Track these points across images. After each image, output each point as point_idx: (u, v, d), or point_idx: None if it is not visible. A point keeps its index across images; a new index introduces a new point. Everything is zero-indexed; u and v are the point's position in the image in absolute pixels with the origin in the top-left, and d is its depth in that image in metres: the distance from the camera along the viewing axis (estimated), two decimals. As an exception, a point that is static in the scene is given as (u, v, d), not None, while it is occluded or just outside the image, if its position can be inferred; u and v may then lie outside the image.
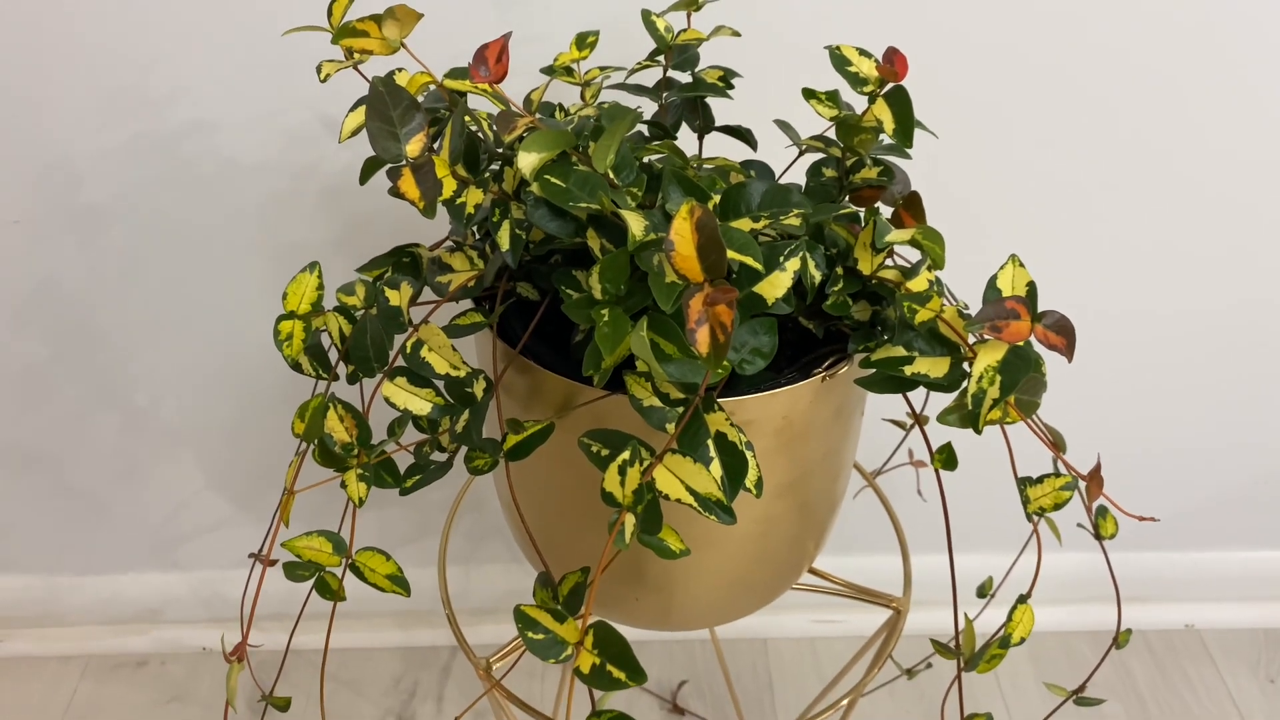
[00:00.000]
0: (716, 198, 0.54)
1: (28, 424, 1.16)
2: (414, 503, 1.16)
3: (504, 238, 0.57)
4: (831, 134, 0.67)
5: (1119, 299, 1.11)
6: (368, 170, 0.62)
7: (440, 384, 0.60)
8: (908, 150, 0.62)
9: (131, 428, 1.17)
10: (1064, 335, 0.56)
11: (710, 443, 0.52)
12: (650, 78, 0.74)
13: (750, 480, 0.53)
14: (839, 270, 0.61)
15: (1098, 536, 0.71)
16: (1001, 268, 0.58)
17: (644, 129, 0.73)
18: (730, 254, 0.49)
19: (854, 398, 0.67)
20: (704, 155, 0.74)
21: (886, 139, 0.63)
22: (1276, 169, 1.03)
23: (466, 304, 0.65)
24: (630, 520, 0.50)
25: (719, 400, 0.56)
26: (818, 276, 0.59)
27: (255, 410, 1.16)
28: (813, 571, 0.83)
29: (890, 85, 0.61)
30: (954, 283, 0.72)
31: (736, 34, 0.73)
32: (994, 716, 0.73)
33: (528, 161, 0.54)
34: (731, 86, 0.71)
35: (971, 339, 0.58)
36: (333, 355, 0.64)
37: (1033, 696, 1.29)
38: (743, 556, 0.68)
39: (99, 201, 1.02)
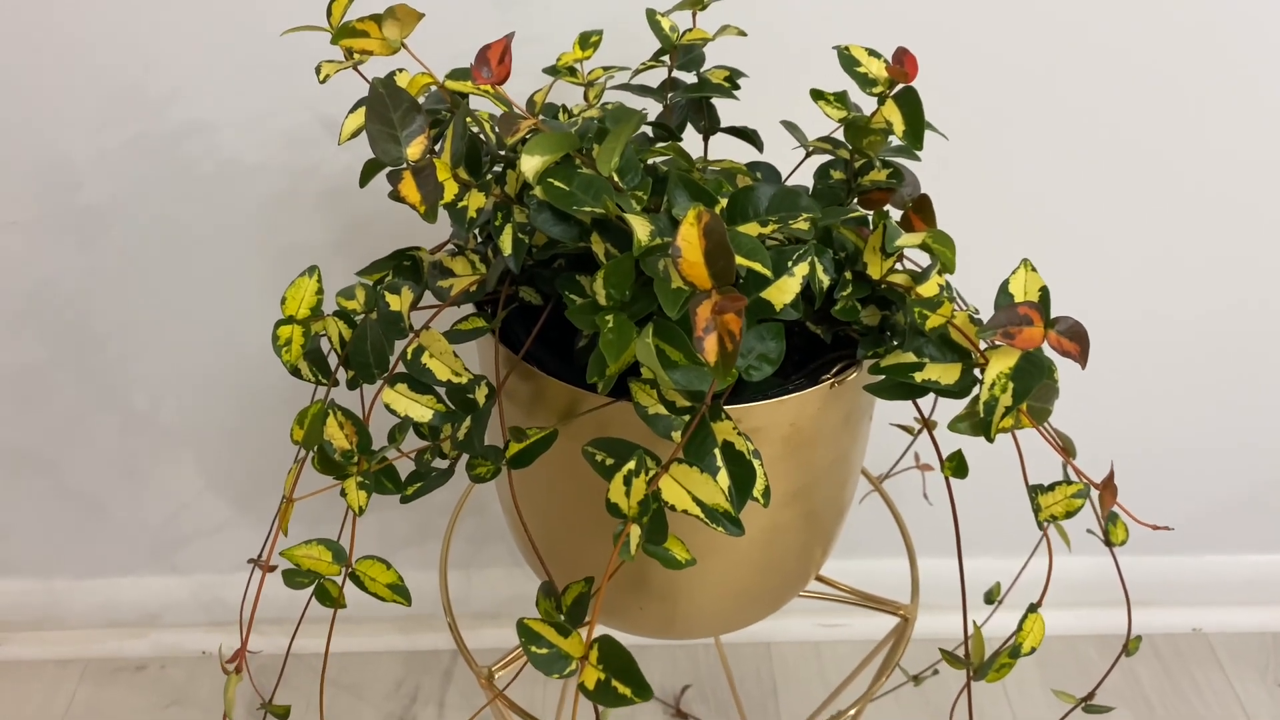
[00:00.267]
0: (723, 201, 0.53)
1: (26, 426, 1.15)
2: (415, 505, 1.14)
3: (506, 242, 0.56)
4: (839, 135, 0.66)
5: (1125, 301, 1.10)
6: (368, 173, 0.61)
7: (441, 390, 0.59)
8: (917, 152, 0.61)
9: (131, 430, 1.16)
10: (1078, 341, 0.55)
11: (717, 452, 0.51)
12: (655, 78, 0.73)
13: (758, 490, 0.52)
14: (847, 275, 0.60)
15: (1108, 543, 0.70)
16: (1013, 272, 0.57)
17: (648, 130, 0.72)
18: (738, 260, 0.48)
19: (862, 404, 0.66)
20: (709, 157, 0.73)
21: (896, 141, 0.62)
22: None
23: (468, 309, 0.64)
24: (635, 531, 0.49)
25: (725, 408, 0.55)
26: (826, 281, 0.58)
27: (255, 412, 1.15)
28: (819, 578, 0.81)
29: (900, 86, 0.60)
30: (960, 284, 0.71)
31: (742, 33, 0.72)
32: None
33: (531, 165, 0.53)
34: (738, 87, 0.70)
35: (983, 345, 0.56)
36: (332, 360, 0.63)
37: (1039, 702, 1.28)
38: (749, 565, 0.67)
39: (98, 202, 1.01)
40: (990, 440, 0.55)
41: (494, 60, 0.54)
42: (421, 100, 0.64)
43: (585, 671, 0.47)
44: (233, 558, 1.25)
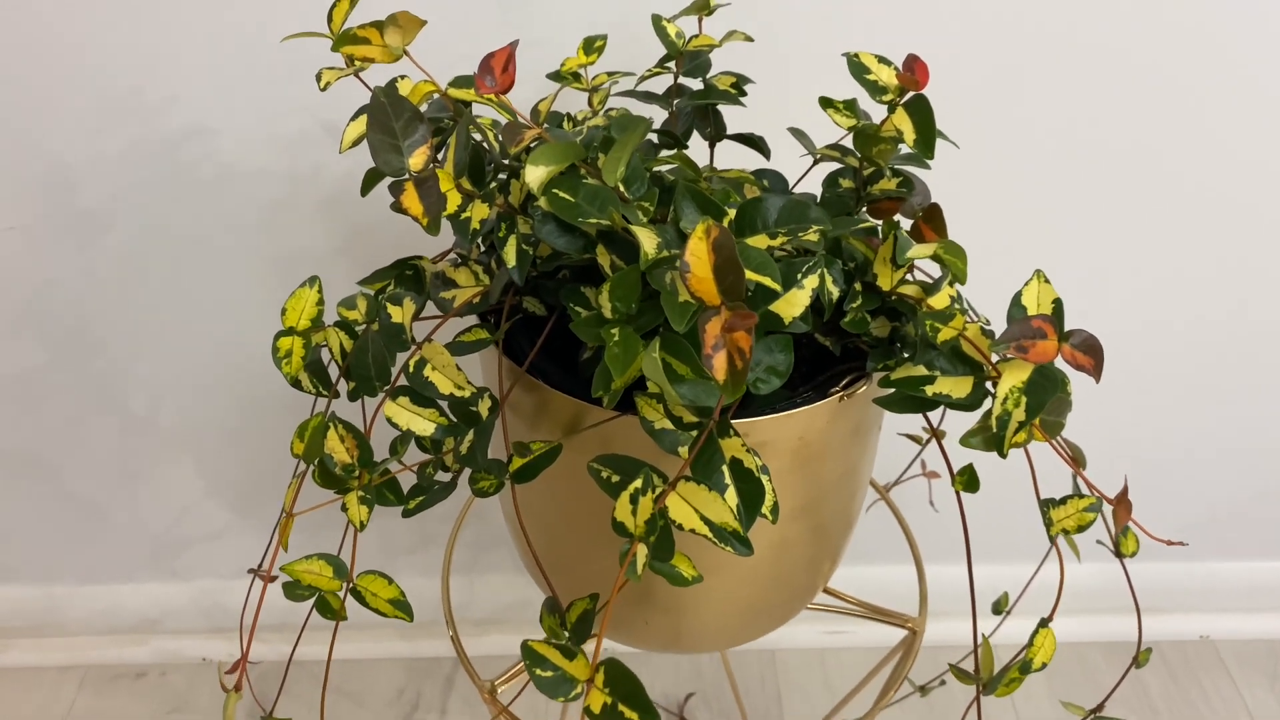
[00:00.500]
0: (731, 213, 0.52)
1: (26, 431, 1.14)
2: (417, 512, 1.14)
3: (510, 254, 0.55)
4: (848, 143, 0.65)
5: (1133, 305, 1.09)
6: (369, 182, 0.60)
7: (444, 404, 0.58)
8: (928, 161, 0.60)
9: (130, 435, 1.15)
10: (1092, 355, 0.54)
11: (725, 469, 0.50)
12: (660, 84, 0.72)
13: (766, 506, 0.51)
14: (857, 286, 0.59)
15: (1119, 554, 0.69)
16: (1026, 284, 0.56)
17: (653, 137, 0.71)
18: (748, 274, 0.47)
19: (871, 416, 0.64)
20: (716, 164, 0.72)
21: (905, 148, 0.61)
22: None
23: (471, 319, 0.63)
24: (642, 551, 0.48)
25: (733, 421, 0.54)
26: (835, 293, 0.57)
27: (256, 417, 1.14)
28: (827, 590, 0.80)
29: (911, 94, 0.58)
30: (970, 291, 0.70)
31: (749, 39, 0.71)
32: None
33: (535, 175, 0.52)
34: (744, 94, 0.69)
35: (995, 358, 0.55)
36: (333, 371, 0.62)
37: (1046, 711, 1.27)
38: (756, 579, 0.66)
39: (96, 207, 1.00)
40: (1003, 456, 0.54)
41: (497, 69, 0.53)
42: (424, 107, 0.63)
43: (591, 695, 0.46)
44: (234, 563, 1.24)
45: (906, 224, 0.63)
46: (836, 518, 0.68)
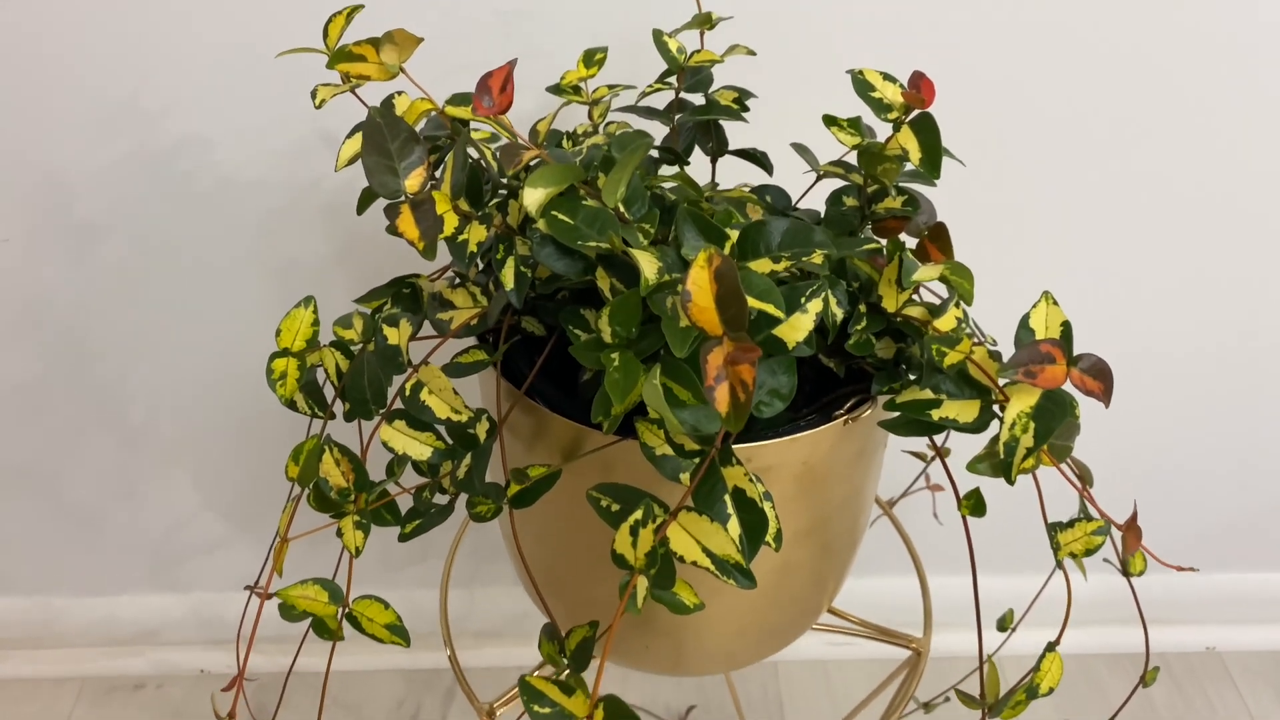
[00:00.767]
0: (734, 236, 0.51)
1: (23, 442, 1.14)
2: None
3: (508, 276, 0.54)
4: (852, 158, 0.64)
5: (1144, 319, 1.08)
6: (364, 201, 0.59)
7: (441, 427, 0.57)
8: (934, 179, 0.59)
9: (128, 446, 1.14)
10: (1101, 380, 0.53)
11: (728, 498, 0.49)
12: (661, 99, 0.71)
13: (770, 535, 0.50)
14: (862, 308, 0.58)
15: (1126, 574, 0.68)
16: (1034, 306, 0.55)
17: (654, 153, 0.70)
18: (750, 302, 0.46)
19: (877, 438, 0.63)
20: (718, 179, 0.71)
21: (910, 165, 0.59)
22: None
23: (469, 340, 0.62)
24: (643, 583, 0.47)
25: (735, 446, 0.53)
26: (839, 314, 0.56)
27: (255, 428, 1.13)
28: (831, 610, 0.79)
29: (916, 112, 0.57)
30: (976, 307, 0.69)
31: (752, 53, 0.70)
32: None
33: (533, 198, 0.51)
34: (747, 109, 0.68)
35: (1003, 381, 0.54)
36: (329, 391, 0.61)
37: (1051, 723, 1.26)
38: (759, 603, 0.65)
39: (92, 218, 0.99)
40: (1010, 483, 0.53)
41: (495, 89, 0.52)
42: (421, 124, 0.62)
43: (590, 732, 0.45)
44: (232, 575, 1.24)
45: (911, 243, 0.62)
46: (841, 539, 0.67)
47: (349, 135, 0.60)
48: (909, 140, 0.57)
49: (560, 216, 0.51)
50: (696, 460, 0.50)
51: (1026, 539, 0.87)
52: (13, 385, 1.09)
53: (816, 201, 0.68)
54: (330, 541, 0.74)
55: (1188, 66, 0.92)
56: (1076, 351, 0.53)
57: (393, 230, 0.50)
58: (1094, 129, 0.95)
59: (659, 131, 0.70)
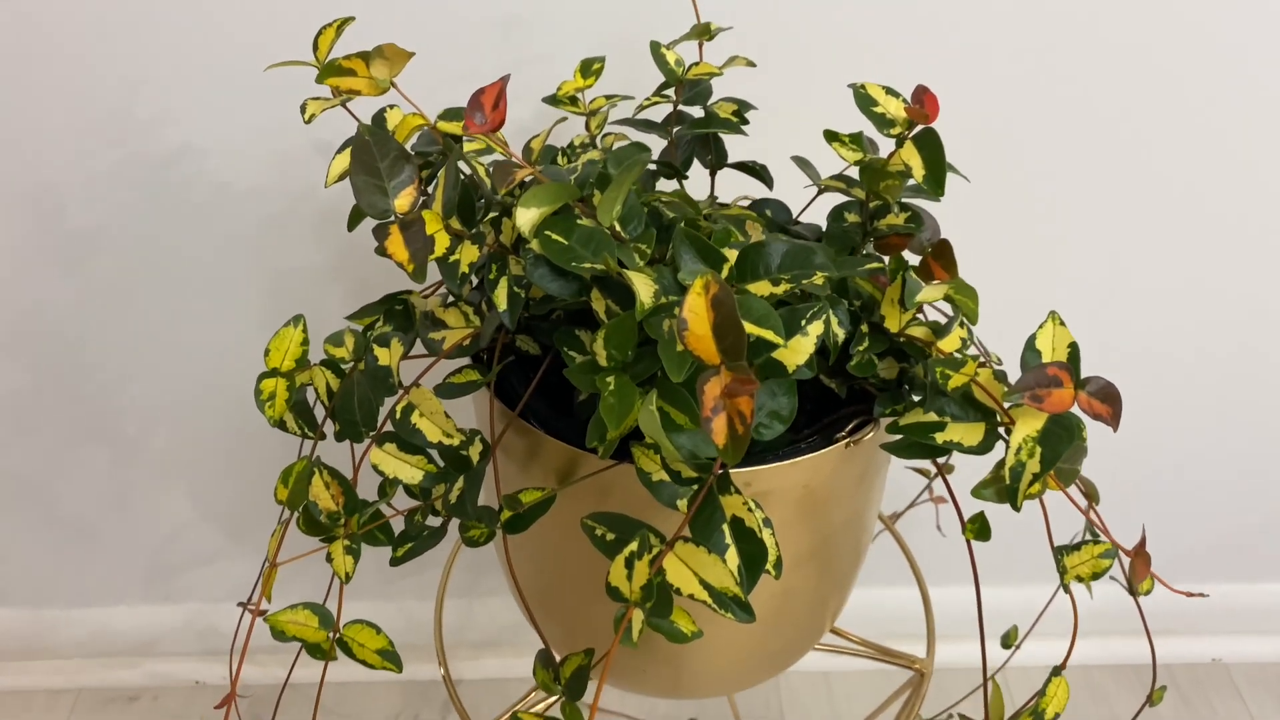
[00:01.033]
0: (732, 257, 0.49)
1: (16, 453, 1.12)
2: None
3: (501, 297, 0.53)
4: (854, 172, 0.63)
5: (1150, 329, 1.07)
6: (355, 218, 0.58)
7: (433, 451, 0.56)
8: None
9: (122, 458, 1.13)
10: (1110, 404, 0.52)
11: (726, 528, 0.47)
12: (659, 112, 0.69)
13: (770, 563, 0.49)
14: (864, 328, 0.56)
15: (1133, 593, 0.67)
16: (1040, 327, 0.54)
17: (651, 166, 0.69)
18: (748, 328, 0.44)
19: (879, 460, 0.62)
20: (717, 193, 0.70)
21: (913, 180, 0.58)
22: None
23: (462, 359, 0.60)
24: (638, 616, 0.46)
25: (733, 470, 0.52)
26: (841, 335, 0.55)
27: (248, 439, 1.12)
28: (833, 630, 0.78)
29: (920, 127, 0.56)
30: (981, 321, 0.68)
31: (751, 64, 0.68)
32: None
33: (526, 218, 0.49)
34: (746, 121, 0.66)
35: (1008, 404, 0.53)
36: (319, 411, 0.60)
37: (1054, 736, 1.24)
38: (759, 629, 0.63)
39: (85, 227, 0.98)
40: (1016, 509, 0.52)
41: (488, 106, 0.51)
42: (413, 140, 0.61)
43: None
44: (227, 586, 1.22)
45: (915, 259, 0.61)
46: (843, 560, 0.66)
47: (339, 150, 0.58)
48: (912, 156, 0.56)
49: (554, 237, 0.50)
50: (694, 487, 0.49)
51: (1030, 549, 0.86)
52: (6, 396, 1.08)
53: (818, 215, 0.67)
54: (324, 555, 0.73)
55: (1195, 78, 0.91)
56: (1084, 373, 0.52)
57: (381, 251, 0.48)
58: (1103, 143, 0.94)
59: (657, 144, 0.69)
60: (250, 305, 1.02)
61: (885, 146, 0.61)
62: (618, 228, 0.52)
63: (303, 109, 0.58)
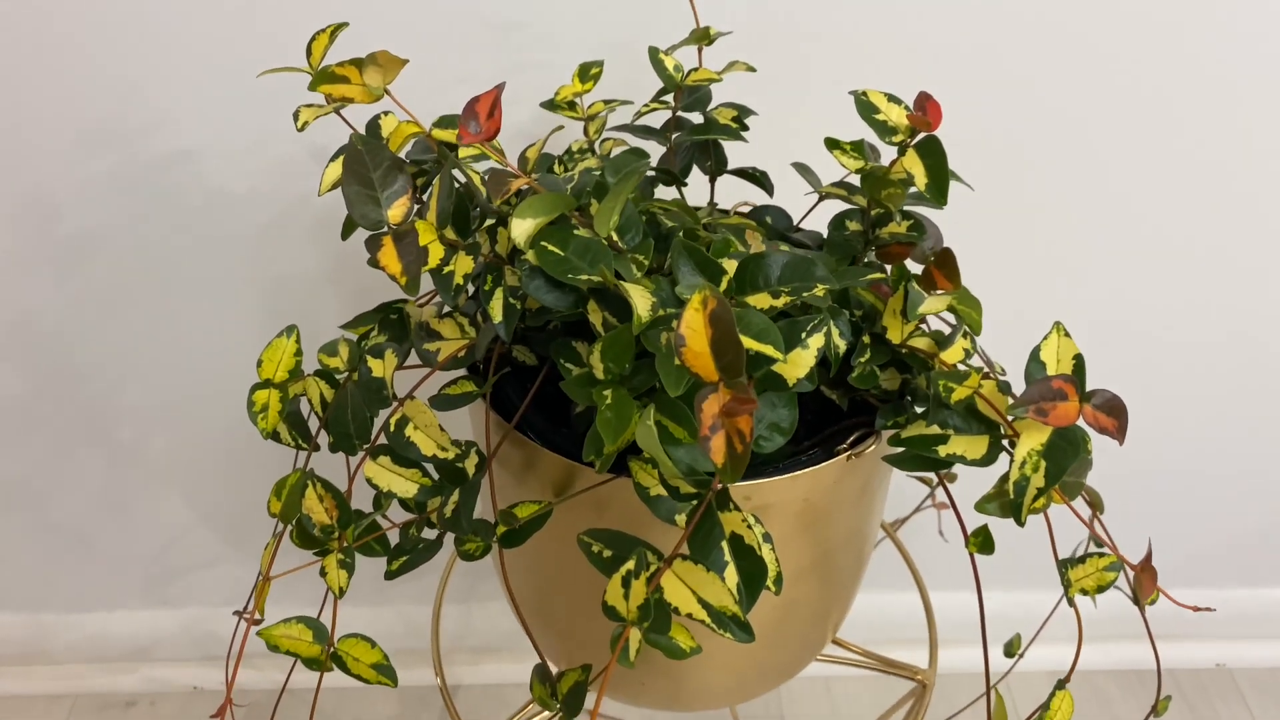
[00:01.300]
0: (732, 268, 0.49)
1: (12, 459, 1.12)
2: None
3: (496, 309, 0.52)
4: (855, 179, 0.62)
5: (1154, 334, 1.06)
6: (349, 227, 0.57)
7: (428, 464, 0.55)
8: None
9: (119, 463, 1.12)
10: (1116, 416, 0.51)
11: (724, 545, 0.47)
12: (658, 118, 0.68)
13: (770, 579, 0.48)
14: (865, 339, 0.55)
15: (1138, 603, 0.66)
16: (1045, 339, 0.53)
17: (650, 172, 0.68)
18: (747, 342, 0.43)
19: (881, 473, 0.61)
20: (717, 199, 0.69)
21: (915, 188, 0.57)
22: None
23: (458, 370, 0.60)
24: (635, 636, 0.45)
25: (733, 485, 0.51)
26: (842, 346, 0.54)
27: (245, 444, 1.11)
28: (835, 641, 0.77)
29: (922, 135, 0.55)
30: (984, 337, 0.67)
31: (751, 69, 0.67)
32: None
33: (522, 229, 0.48)
34: (746, 128, 0.65)
35: (1012, 417, 0.52)
36: (313, 423, 0.59)
37: (1058, 742, 1.23)
38: (760, 640, 0.62)
39: (79, 233, 0.97)
40: (1020, 524, 0.51)
41: (483, 114, 0.50)
42: (408, 148, 0.60)
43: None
44: (224, 591, 1.22)
45: (917, 268, 0.60)
46: (845, 573, 0.65)
47: (333, 158, 0.57)
48: (914, 164, 0.55)
49: (550, 248, 0.49)
50: (692, 503, 0.48)
51: (1033, 555, 0.85)
52: (2, 401, 1.07)
53: (818, 222, 0.66)
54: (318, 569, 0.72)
55: (1200, 90, 0.90)
56: (1090, 385, 0.51)
57: (374, 264, 0.47)
58: (1108, 152, 0.93)
59: (655, 150, 0.68)
60: (246, 310, 1.02)
61: (887, 154, 0.60)
62: (615, 238, 0.51)
63: (295, 117, 0.57)
